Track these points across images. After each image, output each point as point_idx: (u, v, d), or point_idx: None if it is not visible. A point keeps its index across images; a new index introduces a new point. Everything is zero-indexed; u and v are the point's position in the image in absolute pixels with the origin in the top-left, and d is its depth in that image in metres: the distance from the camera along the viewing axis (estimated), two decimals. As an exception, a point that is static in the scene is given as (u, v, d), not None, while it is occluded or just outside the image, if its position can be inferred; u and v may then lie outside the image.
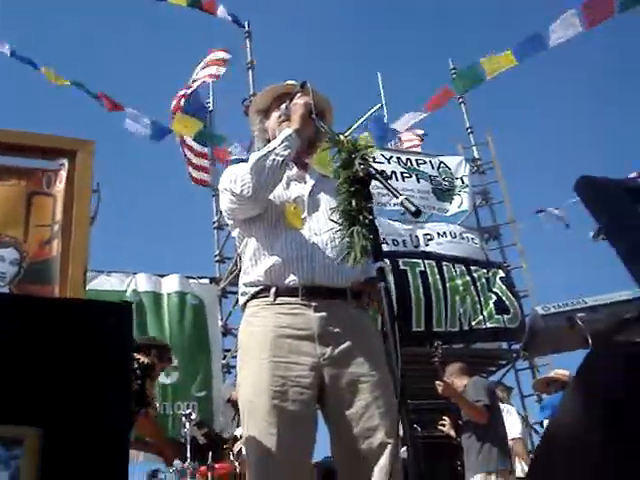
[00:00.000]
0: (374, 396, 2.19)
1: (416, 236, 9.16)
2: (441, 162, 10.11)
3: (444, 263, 8.61)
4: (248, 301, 2.40)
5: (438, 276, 8.40)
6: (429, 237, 9.22)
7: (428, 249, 8.98)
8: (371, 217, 1.96)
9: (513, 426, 6.12)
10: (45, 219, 2.09)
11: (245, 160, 2.53)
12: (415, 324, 8.03)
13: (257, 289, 2.37)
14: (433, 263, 8.51)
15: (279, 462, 2.11)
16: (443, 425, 5.80)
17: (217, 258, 9.92)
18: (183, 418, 5.60)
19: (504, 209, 10.45)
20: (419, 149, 11.12)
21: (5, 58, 8.79)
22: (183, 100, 9.97)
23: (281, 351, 2.24)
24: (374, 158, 2.08)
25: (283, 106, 2.57)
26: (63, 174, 2.12)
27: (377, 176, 1.97)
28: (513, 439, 5.98)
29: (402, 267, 8.20)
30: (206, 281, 9.24)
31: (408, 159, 9.86)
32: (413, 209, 1.83)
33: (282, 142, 2.37)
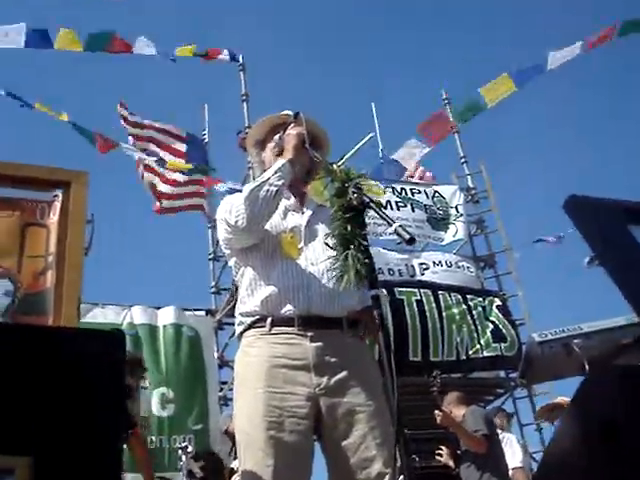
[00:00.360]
0: (370, 426, 2.18)
1: (412, 265, 9.15)
2: (435, 191, 10.15)
3: (440, 292, 8.59)
4: (244, 331, 2.40)
5: (434, 305, 8.38)
6: (425, 266, 9.21)
7: (424, 278, 8.97)
8: (366, 243, 1.97)
9: (514, 455, 6.06)
10: (39, 250, 2.09)
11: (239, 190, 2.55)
12: (412, 354, 7.99)
13: (253, 319, 2.37)
14: (429, 292, 8.50)
15: (276, 494, 2.09)
16: (440, 455, 5.76)
17: (213, 290, 9.89)
18: (179, 451, 5.54)
19: (499, 238, 10.48)
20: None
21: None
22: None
23: (276, 381, 2.23)
24: (369, 187, 2.10)
25: (276, 137, 2.59)
26: (57, 205, 2.13)
27: (371, 204, 1.99)
28: (514, 468, 5.91)
29: (398, 296, 8.18)
30: (202, 313, 9.20)
31: (402, 188, 9.89)
32: (407, 237, 1.84)
33: (275, 172, 2.39)
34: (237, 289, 2.55)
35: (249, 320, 2.38)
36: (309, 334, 2.28)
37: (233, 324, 2.59)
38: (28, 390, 1.15)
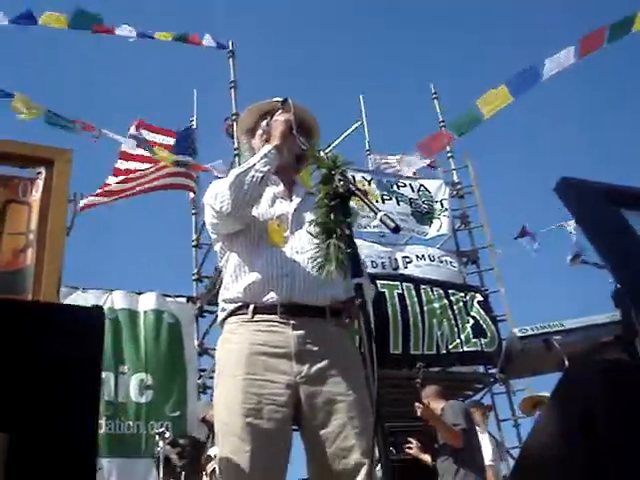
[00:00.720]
0: (349, 416, 2.17)
1: (395, 259, 9.17)
2: (421, 185, 10.16)
3: (422, 286, 8.62)
4: (227, 318, 2.38)
5: (416, 299, 8.40)
6: (408, 260, 9.23)
7: (407, 272, 8.99)
8: (349, 232, 1.95)
9: (484, 453, 6.09)
10: (20, 227, 2.06)
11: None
12: (393, 347, 8.01)
13: (236, 306, 2.36)
14: (411, 286, 8.52)
15: (253, 480, 2.08)
16: (410, 448, 5.77)
17: (195, 277, 9.85)
18: (157, 437, 5.53)
19: (483, 233, 10.52)
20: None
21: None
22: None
23: (256, 368, 2.22)
24: (354, 178, 2.09)
25: (264, 123, 2.57)
26: (40, 183, 2.10)
27: (356, 192, 1.97)
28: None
29: (380, 289, 8.19)
30: (183, 300, 9.19)
31: (388, 181, 9.91)
32: (392, 225, 1.83)
33: (261, 158, 2.37)
34: (221, 274, 2.53)
35: (232, 307, 2.37)
36: (291, 322, 2.27)
37: (214, 312, 2.58)
38: (3, 367, 1.13)
